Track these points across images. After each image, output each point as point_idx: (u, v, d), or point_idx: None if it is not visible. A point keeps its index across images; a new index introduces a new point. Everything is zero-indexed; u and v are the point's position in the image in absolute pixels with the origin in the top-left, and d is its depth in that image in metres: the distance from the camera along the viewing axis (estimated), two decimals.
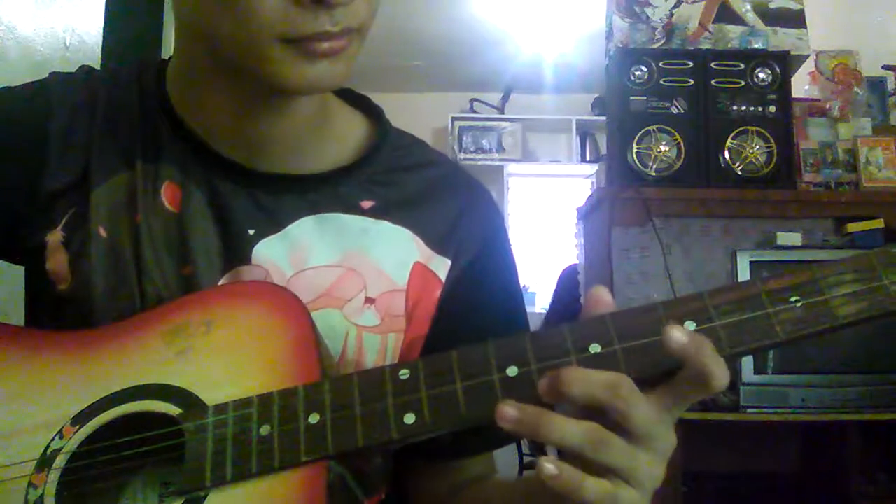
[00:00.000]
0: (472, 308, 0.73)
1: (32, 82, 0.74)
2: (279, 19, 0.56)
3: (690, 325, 0.52)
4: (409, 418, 0.52)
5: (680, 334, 0.49)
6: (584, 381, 0.49)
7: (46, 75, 0.75)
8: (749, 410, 2.21)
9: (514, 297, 0.79)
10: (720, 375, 0.49)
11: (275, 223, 0.69)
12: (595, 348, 0.52)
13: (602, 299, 0.54)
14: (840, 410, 2.22)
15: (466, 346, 0.54)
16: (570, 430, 0.49)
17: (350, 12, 0.58)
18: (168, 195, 0.69)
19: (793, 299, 0.51)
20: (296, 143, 0.71)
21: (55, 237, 0.69)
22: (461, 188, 0.77)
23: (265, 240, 0.69)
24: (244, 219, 0.69)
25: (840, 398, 2.22)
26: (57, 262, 0.68)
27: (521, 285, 0.83)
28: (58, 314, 0.68)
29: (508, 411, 0.50)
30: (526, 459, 3.31)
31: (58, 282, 0.68)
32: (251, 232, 0.69)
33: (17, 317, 0.75)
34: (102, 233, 0.68)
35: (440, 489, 0.75)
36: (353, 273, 0.70)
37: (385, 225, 0.72)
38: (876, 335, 2.26)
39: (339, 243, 0.70)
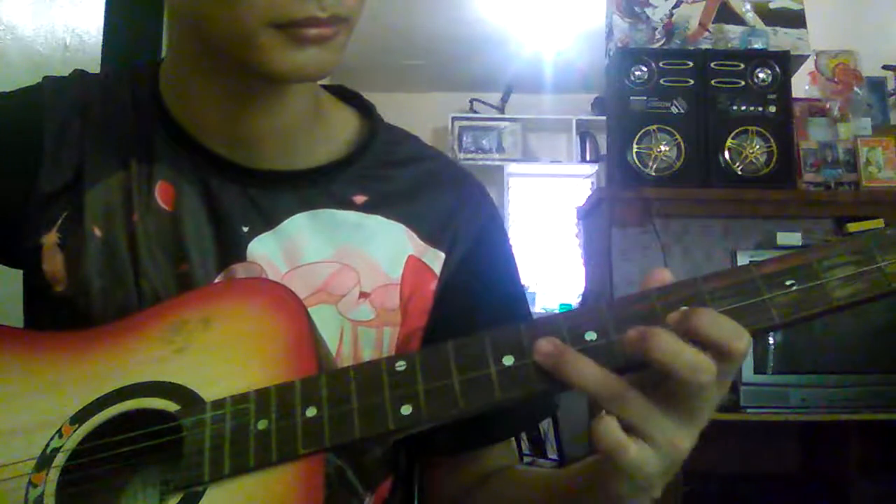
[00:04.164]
0: (470, 300, 0.74)
1: (25, 87, 0.74)
2: (269, 5, 0.57)
3: None
4: (406, 410, 0.52)
5: (547, 344, 0.51)
6: (672, 351, 0.48)
7: (43, 76, 0.75)
8: (749, 410, 2.22)
9: (512, 288, 0.79)
10: (732, 337, 0.48)
11: (268, 220, 0.70)
12: (591, 336, 0.52)
13: (661, 279, 0.53)
14: (840, 410, 2.22)
15: (462, 338, 0.54)
16: (588, 372, 0.50)
17: (339, 0, 0.59)
18: (162, 194, 0.70)
19: (788, 283, 0.51)
20: (288, 139, 0.71)
21: (51, 239, 0.69)
22: (454, 182, 0.77)
23: (259, 237, 0.69)
24: (238, 216, 0.69)
25: (840, 398, 2.22)
26: (53, 263, 0.69)
27: (522, 281, 0.83)
28: (55, 315, 0.69)
29: (543, 343, 0.51)
30: (526, 459, 3.31)
31: (54, 283, 0.69)
32: (245, 229, 0.69)
33: (17, 317, 0.75)
34: (97, 233, 0.69)
35: (460, 482, 0.75)
36: (347, 268, 0.70)
37: (378, 219, 0.72)
38: (876, 335, 2.26)
39: (333, 239, 0.71)
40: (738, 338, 0.49)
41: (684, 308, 0.50)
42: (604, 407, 0.50)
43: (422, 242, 0.73)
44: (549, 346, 0.51)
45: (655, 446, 0.50)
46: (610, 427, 0.49)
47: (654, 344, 0.48)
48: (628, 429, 0.50)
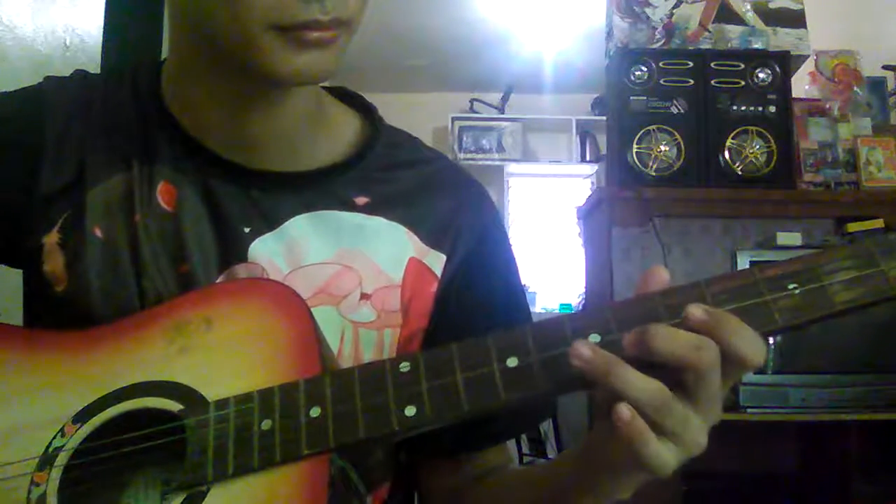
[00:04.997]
0: (471, 302, 0.74)
1: (26, 87, 0.74)
2: (271, 7, 0.57)
3: None
4: (411, 411, 0.52)
5: (586, 349, 0.50)
6: (672, 337, 0.49)
7: (45, 76, 0.75)
8: (749, 410, 2.22)
9: (513, 291, 0.79)
10: (752, 351, 0.49)
11: (270, 221, 0.70)
12: (595, 338, 0.52)
13: (659, 278, 0.54)
14: (840, 410, 2.22)
15: (466, 339, 0.54)
16: (640, 384, 0.49)
17: (341, 3, 0.59)
18: (163, 195, 0.70)
19: (791, 286, 0.51)
20: (290, 140, 0.71)
21: (51, 239, 0.69)
22: (455, 184, 0.77)
23: (260, 238, 0.69)
24: (239, 217, 0.69)
25: (840, 398, 2.22)
26: (53, 263, 0.69)
27: (522, 283, 0.83)
28: (56, 316, 0.69)
29: (583, 350, 0.50)
30: (526, 459, 3.31)
31: (55, 283, 0.69)
32: (246, 230, 0.69)
33: (18, 317, 0.75)
34: (98, 233, 0.69)
35: (456, 483, 0.75)
36: (349, 269, 0.70)
37: (379, 221, 0.72)
38: (876, 335, 2.26)
39: (334, 240, 0.71)
40: (759, 353, 0.50)
41: (709, 308, 0.50)
42: (645, 415, 0.49)
43: (423, 244, 0.73)
44: (588, 352, 0.50)
45: (683, 446, 0.50)
46: (633, 419, 0.49)
47: (651, 335, 0.49)
48: (661, 432, 0.49)
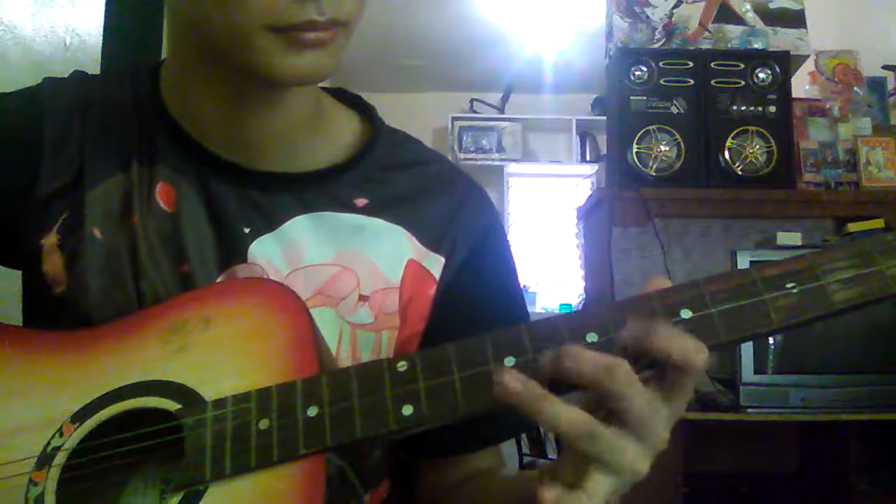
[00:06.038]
0: (470, 305, 0.74)
1: (25, 88, 0.74)
2: (267, 8, 0.57)
3: (686, 313, 0.51)
4: (408, 410, 0.52)
5: (510, 378, 0.49)
6: (580, 358, 0.48)
7: (45, 76, 0.75)
8: (749, 410, 2.21)
9: (512, 294, 0.79)
10: (683, 351, 0.48)
11: (269, 222, 0.70)
12: (592, 338, 0.52)
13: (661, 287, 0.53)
14: (840, 410, 2.21)
15: (464, 339, 0.54)
16: (562, 414, 0.48)
17: (337, 4, 0.59)
18: (163, 195, 0.70)
19: (789, 286, 0.51)
20: (289, 141, 0.71)
21: (50, 240, 0.69)
22: (455, 186, 0.77)
23: (260, 238, 0.69)
24: (239, 217, 0.69)
25: (840, 398, 2.22)
26: (52, 264, 0.69)
27: (522, 285, 0.83)
28: (55, 316, 0.69)
29: (510, 380, 0.49)
30: (526, 459, 3.31)
31: (54, 284, 0.69)
32: (246, 230, 0.69)
33: (18, 317, 0.75)
34: (97, 234, 0.69)
35: (446, 483, 0.75)
36: (348, 271, 0.70)
37: (379, 223, 0.72)
38: (876, 335, 2.26)
39: (333, 241, 0.71)
40: (691, 351, 0.48)
41: (640, 324, 0.50)
42: (572, 444, 0.49)
43: (422, 247, 0.73)
44: (516, 384, 0.49)
45: (619, 474, 0.49)
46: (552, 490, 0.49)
47: (561, 356, 0.49)
48: (591, 460, 0.49)
